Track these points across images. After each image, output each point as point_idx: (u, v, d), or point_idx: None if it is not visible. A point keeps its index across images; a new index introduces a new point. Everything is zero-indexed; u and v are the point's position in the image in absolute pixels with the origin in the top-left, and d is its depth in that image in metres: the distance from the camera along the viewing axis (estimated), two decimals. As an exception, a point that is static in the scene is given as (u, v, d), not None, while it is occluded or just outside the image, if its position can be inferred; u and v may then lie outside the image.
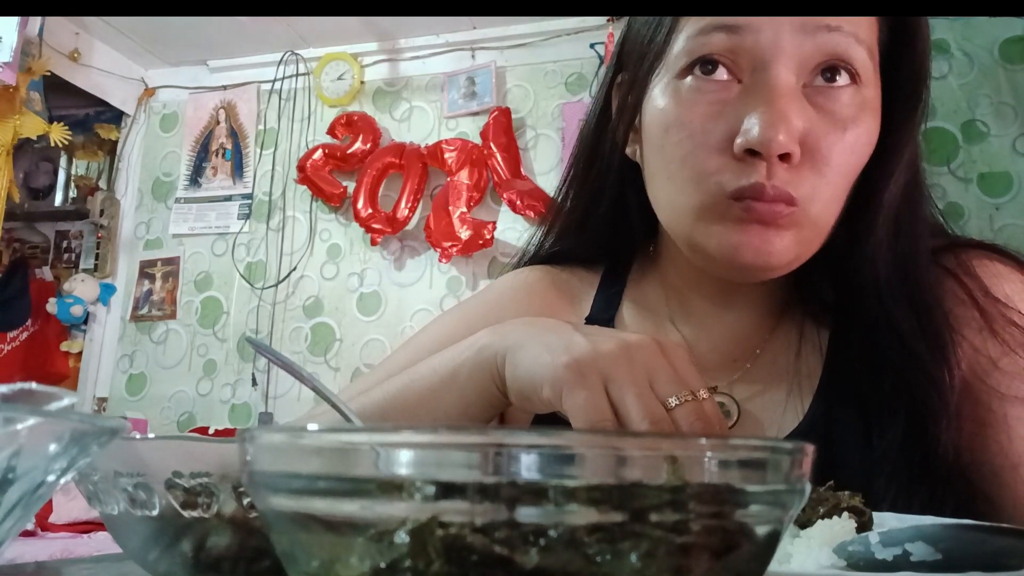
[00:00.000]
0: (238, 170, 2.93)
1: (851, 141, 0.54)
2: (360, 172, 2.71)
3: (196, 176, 2.98)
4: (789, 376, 0.61)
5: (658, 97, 0.57)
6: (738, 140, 0.52)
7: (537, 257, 0.75)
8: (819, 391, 0.59)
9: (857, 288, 0.58)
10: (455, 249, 2.53)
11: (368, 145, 2.72)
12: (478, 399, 0.52)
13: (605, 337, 0.47)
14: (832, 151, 0.53)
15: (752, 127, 0.51)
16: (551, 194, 2.44)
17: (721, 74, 0.54)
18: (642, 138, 0.60)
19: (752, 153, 0.51)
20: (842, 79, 0.54)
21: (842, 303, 0.60)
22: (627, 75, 0.62)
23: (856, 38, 0.53)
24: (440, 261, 2.58)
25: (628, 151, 0.64)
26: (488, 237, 2.50)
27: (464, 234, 2.51)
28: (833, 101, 0.53)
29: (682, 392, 0.44)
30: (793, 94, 0.52)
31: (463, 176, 2.57)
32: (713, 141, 0.53)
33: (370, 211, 2.66)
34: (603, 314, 0.70)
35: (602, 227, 0.70)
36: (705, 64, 0.54)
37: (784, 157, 0.51)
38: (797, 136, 0.51)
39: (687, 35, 0.55)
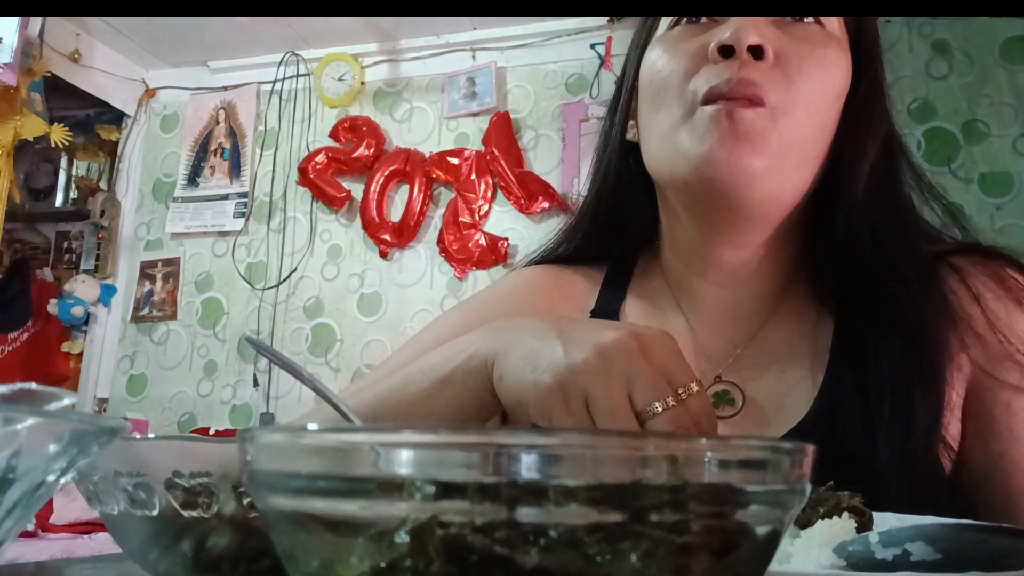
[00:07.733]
0: (236, 169, 2.93)
1: (820, 58, 0.57)
2: (367, 181, 2.72)
3: (194, 176, 2.97)
4: (797, 363, 0.61)
5: (649, 54, 0.62)
6: (712, 44, 0.56)
7: (543, 259, 0.76)
8: (826, 378, 0.60)
9: (846, 258, 0.61)
10: (470, 265, 2.57)
11: (371, 150, 2.73)
12: (471, 402, 0.52)
13: (581, 343, 0.44)
14: (804, 62, 0.57)
15: (725, 30, 0.55)
16: (556, 188, 2.49)
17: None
18: (638, 108, 0.64)
19: (726, 55, 0.55)
20: (809, 20, 0.59)
21: (841, 284, 0.62)
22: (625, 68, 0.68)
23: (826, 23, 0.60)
24: (456, 277, 2.60)
25: (629, 136, 0.67)
26: (502, 252, 2.54)
27: (478, 251, 2.55)
28: (803, 30, 0.59)
29: (664, 395, 0.43)
30: (765, 20, 0.57)
31: (471, 187, 2.59)
32: (690, 54, 0.58)
33: (378, 222, 2.68)
34: (607, 307, 0.70)
35: (606, 222, 0.71)
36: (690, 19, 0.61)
37: (757, 55, 0.55)
38: (771, 41, 0.55)
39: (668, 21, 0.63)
